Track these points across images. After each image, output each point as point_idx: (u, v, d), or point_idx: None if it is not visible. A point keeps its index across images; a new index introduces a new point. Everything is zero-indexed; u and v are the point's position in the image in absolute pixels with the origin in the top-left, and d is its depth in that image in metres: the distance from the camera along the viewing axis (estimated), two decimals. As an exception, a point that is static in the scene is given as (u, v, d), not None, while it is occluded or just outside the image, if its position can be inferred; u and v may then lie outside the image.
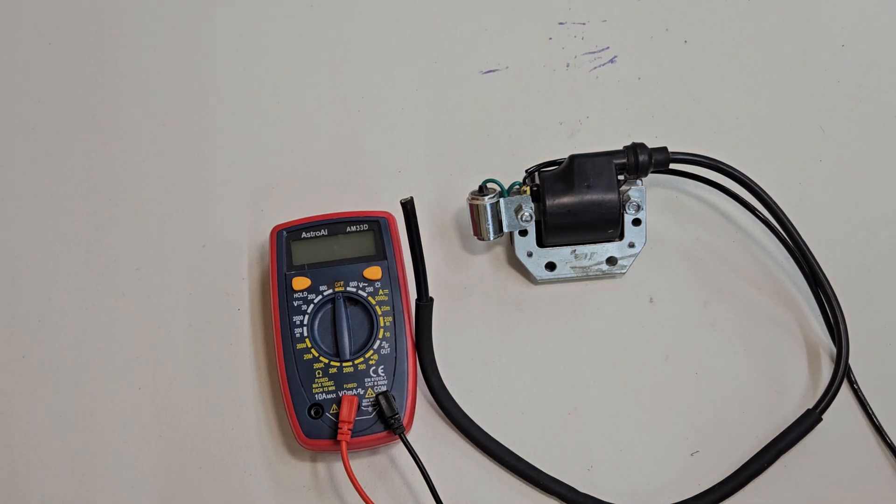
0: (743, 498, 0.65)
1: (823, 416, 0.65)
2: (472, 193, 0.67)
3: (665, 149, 0.67)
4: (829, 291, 0.67)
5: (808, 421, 0.65)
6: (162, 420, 0.67)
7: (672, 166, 0.68)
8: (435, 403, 0.66)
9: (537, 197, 0.67)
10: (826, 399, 0.65)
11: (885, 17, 0.75)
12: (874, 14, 0.75)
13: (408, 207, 0.62)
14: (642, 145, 0.67)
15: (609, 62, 0.74)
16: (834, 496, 0.66)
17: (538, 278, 0.68)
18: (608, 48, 0.75)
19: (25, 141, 0.73)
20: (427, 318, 0.65)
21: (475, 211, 0.67)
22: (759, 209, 0.68)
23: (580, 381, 0.68)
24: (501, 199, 0.67)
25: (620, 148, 0.67)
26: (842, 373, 0.66)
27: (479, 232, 0.68)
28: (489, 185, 0.67)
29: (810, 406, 0.66)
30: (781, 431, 0.65)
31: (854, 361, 0.67)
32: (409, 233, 0.63)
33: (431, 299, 0.65)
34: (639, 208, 0.67)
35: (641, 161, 0.66)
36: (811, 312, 0.69)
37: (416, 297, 0.64)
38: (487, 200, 0.67)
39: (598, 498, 0.65)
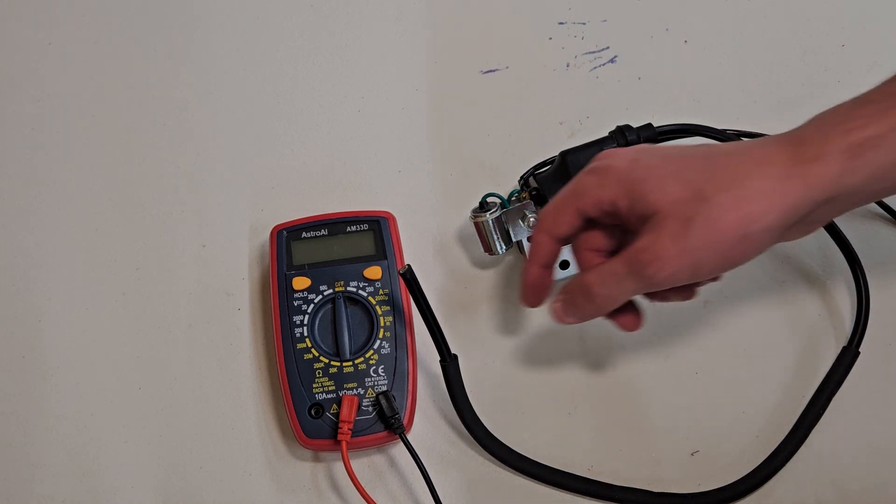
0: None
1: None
2: (474, 211, 0.67)
3: (650, 125, 0.68)
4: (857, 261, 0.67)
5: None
6: (162, 420, 0.67)
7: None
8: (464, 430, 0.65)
9: (539, 200, 0.67)
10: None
11: (885, 17, 0.75)
12: (874, 14, 0.75)
13: (407, 276, 0.61)
14: (628, 126, 0.67)
15: (609, 62, 0.74)
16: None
17: (556, 279, 0.68)
18: (608, 48, 0.75)
19: (25, 141, 0.73)
20: (456, 376, 0.64)
21: (481, 228, 0.66)
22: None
23: (580, 381, 0.68)
24: (504, 211, 0.66)
25: (606, 135, 0.67)
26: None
27: (488, 248, 0.67)
28: (489, 199, 0.67)
29: (810, 406, 0.66)
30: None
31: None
32: (415, 300, 0.62)
33: (455, 357, 0.64)
34: None
35: (631, 141, 0.67)
36: (812, 312, 0.69)
37: (439, 357, 0.64)
38: (490, 216, 0.66)
39: (600, 481, 0.64)
